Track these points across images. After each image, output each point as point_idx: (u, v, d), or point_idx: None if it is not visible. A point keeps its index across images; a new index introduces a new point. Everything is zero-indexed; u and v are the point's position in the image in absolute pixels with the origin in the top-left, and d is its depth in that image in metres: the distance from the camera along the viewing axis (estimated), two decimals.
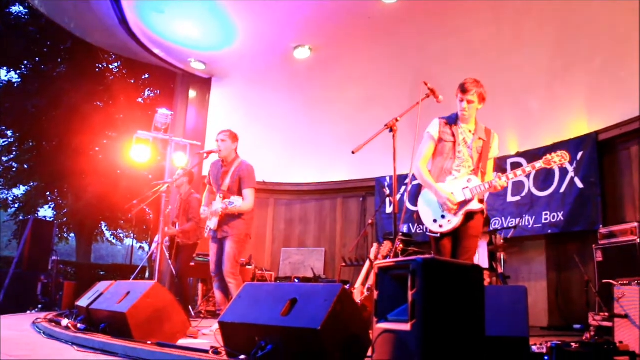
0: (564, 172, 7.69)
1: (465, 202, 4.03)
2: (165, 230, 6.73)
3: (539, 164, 4.06)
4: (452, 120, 4.25)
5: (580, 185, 7.46)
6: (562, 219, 7.61)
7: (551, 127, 8.15)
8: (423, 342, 1.70)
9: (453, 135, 4.18)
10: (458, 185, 4.08)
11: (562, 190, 7.68)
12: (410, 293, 1.78)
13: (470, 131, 4.21)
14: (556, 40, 8.13)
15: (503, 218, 8.29)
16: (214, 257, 5.52)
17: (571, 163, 7.60)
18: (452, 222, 4.03)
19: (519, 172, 4.11)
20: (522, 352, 2.39)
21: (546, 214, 7.82)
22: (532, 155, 7.56)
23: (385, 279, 2.03)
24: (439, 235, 4.09)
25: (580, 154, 7.52)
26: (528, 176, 8.17)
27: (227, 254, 5.35)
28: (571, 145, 7.58)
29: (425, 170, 4.25)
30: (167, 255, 6.88)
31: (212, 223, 5.48)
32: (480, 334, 1.89)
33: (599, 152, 7.41)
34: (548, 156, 4.06)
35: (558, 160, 4.04)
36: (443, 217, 4.08)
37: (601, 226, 6.73)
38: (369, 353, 2.06)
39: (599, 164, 7.39)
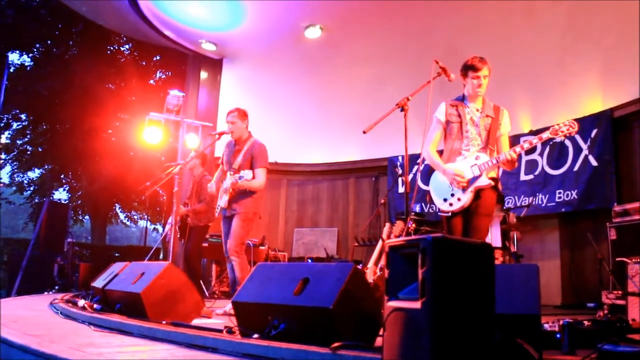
0: (577, 150, 7.64)
1: (474, 179, 4.02)
2: (182, 210, 6.76)
3: (546, 135, 3.94)
4: (459, 101, 4.25)
5: (594, 163, 7.41)
6: (575, 197, 7.57)
7: (565, 104, 8.09)
8: (433, 320, 1.71)
9: (459, 115, 4.18)
10: (467, 164, 4.08)
11: (575, 169, 7.64)
12: (420, 271, 1.79)
13: (477, 109, 4.20)
14: (569, 17, 8.03)
15: (516, 197, 8.27)
16: (225, 238, 5.51)
17: (585, 141, 7.55)
18: (462, 199, 4.03)
19: (525, 144, 3.98)
20: (533, 330, 2.40)
21: (560, 192, 7.78)
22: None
23: (396, 258, 2.04)
24: (449, 214, 4.11)
25: (594, 132, 7.46)
26: (541, 155, 8.12)
27: (233, 231, 5.32)
28: (585, 123, 7.52)
29: (434, 152, 4.27)
30: (180, 235, 6.91)
31: (223, 201, 5.45)
32: (490, 312, 1.89)
33: (613, 130, 7.35)
34: (555, 126, 3.93)
35: (566, 129, 3.89)
36: (452, 195, 4.09)
37: (615, 204, 6.69)
38: (381, 332, 2.08)
39: (614, 141, 7.32)
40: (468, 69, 4.13)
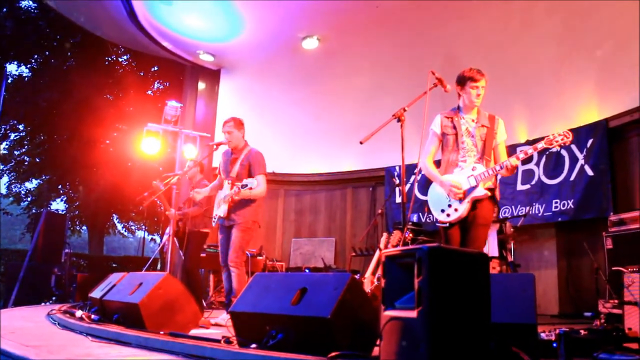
0: (574, 159, 7.67)
1: (470, 190, 4.04)
2: (172, 213, 6.72)
3: (541, 145, 3.94)
4: (454, 113, 4.29)
5: (590, 172, 7.44)
6: (572, 206, 7.59)
7: (561, 114, 8.13)
8: (429, 328, 1.72)
9: (454, 127, 4.22)
10: (464, 175, 4.11)
11: (572, 178, 7.66)
12: (416, 281, 1.81)
13: (473, 120, 4.22)
14: (564, 27, 8.08)
15: (513, 206, 8.29)
16: (222, 248, 5.45)
17: (581, 150, 7.59)
18: (459, 210, 4.04)
19: (521, 155, 4.00)
20: (530, 339, 2.41)
21: (556, 202, 7.80)
22: None
23: (393, 268, 2.06)
24: (447, 224, 4.11)
25: (590, 142, 7.49)
26: (538, 164, 8.15)
27: (233, 242, 5.27)
28: (581, 133, 7.57)
29: (430, 164, 4.31)
30: (178, 244, 6.88)
31: (221, 210, 5.39)
32: (486, 321, 1.91)
33: (609, 139, 7.38)
34: (550, 136, 3.93)
35: (560, 139, 3.89)
36: (450, 206, 4.10)
37: (611, 213, 6.71)
38: (378, 341, 2.09)
39: (610, 151, 7.35)
40: (467, 79, 4.15)
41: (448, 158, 4.24)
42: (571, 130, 3.99)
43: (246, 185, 5.02)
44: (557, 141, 3.91)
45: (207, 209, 6.73)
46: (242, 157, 5.50)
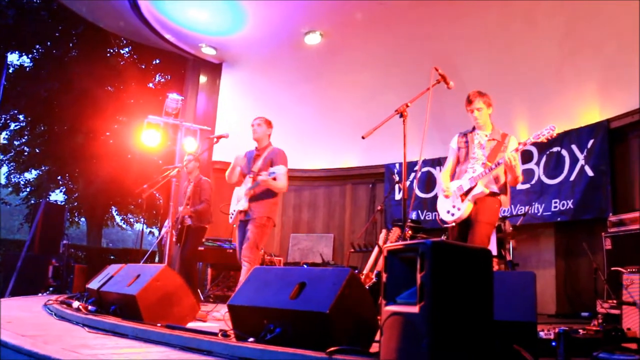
0: (574, 160, 7.66)
1: (470, 190, 4.37)
2: (179, 210, 6.72)
3: (530, 140, 4.33)
4: (470, 130, 4.68)
5: (590, 173, 7.43)
6: (571, 207, 7.59)
7: (562, 114, 8.10)
8: (431, 324, 1.71)
9: (467, 142, 4.60)
10: (466, 178, 4.46)
11: (572, 179, 7.65)
12: (418, 275, 1.79)
13: (485, 135, 4.56)
14: (567, 28, 8.03)
15: (512, 205, 8.27)
16: (239, 242, 5.48)
17: (582, 151, 7.58)
18: (461, 209, 4.37)
19: (513, 152, 4.32)
20: (530, 337, 2.40)
21: (556, 202, 7.79)
22: (542, 143, 7.52)
23: (395, 262, 2.05)
24: (453, 224, 4.46)
25: (591, 142, 7.48)
26: (538, 164, 8.14)
27: (247, 237, 5.29)
28: (582, 134, 7.56)
29: (444, 176, 4.74)
30: (175, 239, 6.86)
31: (241, 204, 5.43)
32: (489, 317, 1.90)
33: (610, 140, 7.38)
34: (537, 132, 4.30)
35: (547, 133, 4.24)
36: (454, 206, 4.45)
37: (611, 214, 6.71)
38: (377, 337, 2.08)
39: (610, 152, 7.35)
40: (465, 101, 4.59)
41: (460, 168, 4.63)
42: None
43: (274, 173, 5.07)
44: (543, 135, 4.26)
45: (211, 203, 6.75)
46: (265, 154, 5.59)
